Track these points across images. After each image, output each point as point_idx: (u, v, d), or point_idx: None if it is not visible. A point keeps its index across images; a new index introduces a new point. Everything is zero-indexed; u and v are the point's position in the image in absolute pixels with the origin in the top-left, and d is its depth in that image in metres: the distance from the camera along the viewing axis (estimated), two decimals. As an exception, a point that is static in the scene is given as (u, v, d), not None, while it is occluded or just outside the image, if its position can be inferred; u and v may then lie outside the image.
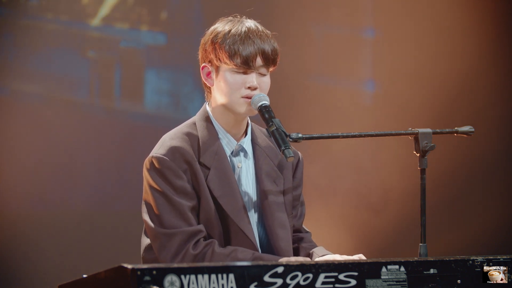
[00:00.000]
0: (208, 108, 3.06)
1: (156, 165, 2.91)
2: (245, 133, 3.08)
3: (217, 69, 2.99)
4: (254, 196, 3.05)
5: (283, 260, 2.83)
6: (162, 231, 2.88)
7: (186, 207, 2.90)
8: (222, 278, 2.32)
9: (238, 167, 3.03)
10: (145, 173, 2.94)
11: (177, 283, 2.28)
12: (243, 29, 2.96)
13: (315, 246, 3.15)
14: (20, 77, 5.09)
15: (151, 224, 2.91)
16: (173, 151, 2.92)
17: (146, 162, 2.95)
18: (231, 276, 2.33)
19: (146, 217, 2.93)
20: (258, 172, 3.05)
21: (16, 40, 5.06)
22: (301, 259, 2.85)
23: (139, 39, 5.33)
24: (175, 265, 2.31)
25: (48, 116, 5.11)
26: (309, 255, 3.08)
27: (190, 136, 2.98)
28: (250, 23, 2.99)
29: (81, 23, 5.20)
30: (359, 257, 2.88)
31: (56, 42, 5.14)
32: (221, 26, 2.99)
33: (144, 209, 2.95)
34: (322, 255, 2.99)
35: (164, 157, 2.91)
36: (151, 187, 2.92)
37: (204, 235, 2.91)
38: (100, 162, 5.18)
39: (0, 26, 5.05)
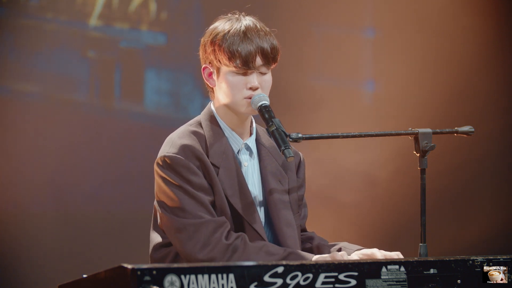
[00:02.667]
0: (212, 108, 3.05)
1: (170, 163, 2.89)
2: (250, 132, 3.08)
3: (218, 70, 2.98)
4: (260, 195, 3.05)
5: (317, 258, 2.82)
6: (188, 222, 2.85)
7: (207, 200, 2.89)
8: (222, 278, 2.32)
9: (245, 166, 3.03)
10: (158, 171, 2.92)
11: (177, 283, 2.28)
12: (242, 28, 2.95)
13: (328, 243, 3.15)
14: (20, 77, 5.09)
15: (174, 217, 2.86)
16: (184, 149, 2.91)
17: (158, 161, 2.92)
18: (231, 276, 2.33)
19: (165, 213, 2.89)
20: (263, 172, 3.05)
21: (16, 40, 5.06)
22: (338, 255, 2.83)
23: (139, 39, 5.33)
24: (175, 265, 2.31)
25: (48, 116, 5.11)
26: (339, 250, 3.05)
27: (197, 135, 2.98)
28: (248, 21, 2.98)
29: (81, 23, 5.20)
30: (397, 254, 2.87)
31: (56, 42, 5.14)
32: (219, 26, 2.98)
33: (161, 207, 2.91)
34: (358, 249, 2.97)
35: (177, 156, 2.89)
36: (168, 183, 2.89)
37: (230, 227, 2.90)
38: (100, 162, 5.17)
39: (0, 26, 5.05)
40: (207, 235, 2.83)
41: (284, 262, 2.41)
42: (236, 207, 2.93)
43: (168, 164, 2.90)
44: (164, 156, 2.91)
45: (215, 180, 2.92)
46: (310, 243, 3.16)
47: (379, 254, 2.88)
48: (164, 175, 2.90)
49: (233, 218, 2.94)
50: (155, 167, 2.92)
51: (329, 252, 3.07)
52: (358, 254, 2.92)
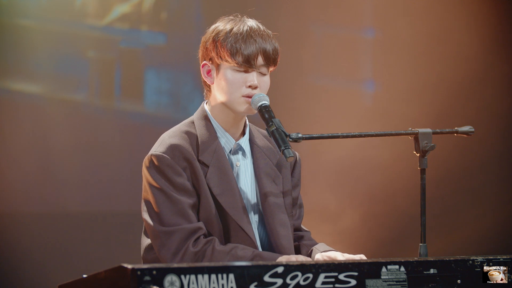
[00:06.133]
0: (206, 107, 3.07)
1: (156, 163, 2.91)
2: (243, 132, 3.09)
3: (218, 67, 3.00)
4: (253, 195, 3.05)
5: (283, 258, 2.83)
6: (161, 229, 2.88)
7: (186, 204, 2.90)
8: (222, 278, 2.32)
9: (237, 166, 3.04)
10: (145, 171, 2.95)
11: (177, 283, 2.28)
12: (245, 28, 2.97)
13: (315, 243, 3.16)
14: (20, 77, 5.09)
15: (151, 223, 2.91)
16: (172, 149, 2.93)
17: (146, 161, 2.95)
18: (231, 276, 2.33)
19: (145, 216, 2.93)
20: (257, 171, 3.06)
21: (16, 40, 5.06)
22: (301, 257, 2.85)
23: (139, 39, 5.33)
24: (175, 265, 2.31)
25: (48, 116, 5.11)
26: (311, 252, 3.08)
27: (189, 135, 2.99)
28: (251, 22, 3.01)
29: (81, 23, 5.20)
30: (360, 257, 2.88)
31: (56, 42, 5.14)
32: (222, 25, 3.00)
33: (143, 208, 2.95)
34: (324, 251, 3.00)
35: (164, 155, 2.92)
36: (150, 185, 2.92)
37: (204, 232, 2.91)
38: (100, 162, 5.18)
39: (0, 26, 5.05)
40: (177, 244, 2.86)
41: (284, 262, 2.41)
42: (224, 206, 2.95)
43: (154, 164, 2.92)
44: (152, 155, 2.94)
45: (202, 181, 2.94)
46: (298, 242, 3.18)
47: (341, 257, 2.89)
48: (148, 176, 2.93)
49: (221, 218, 2.96)
50: (143, 166, 2.95)
51: (306, 252, 3.10)
52: (322, 255, 2.95)
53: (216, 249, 2.86)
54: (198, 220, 2.93)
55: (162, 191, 2.90)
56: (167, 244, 2.87)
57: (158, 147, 2.95)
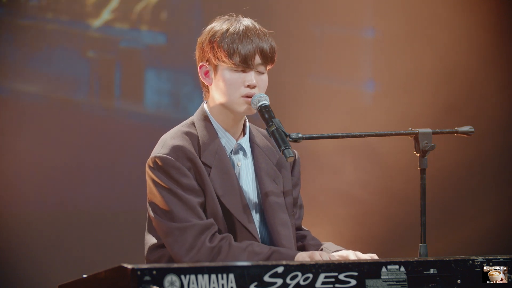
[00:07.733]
0: (206, 108, 3.06)
1: (160, 164, 2.90)
2: (244, 132, 3.09)
3: (215, 68, 2.99)
4: (254, 195, 3.05)
5: (300, 255, 2.83)
6: (174, 226, 2.87)
7: (195, 203, 2.89)
8: (222, 278, 2.32)
9: (238, 166, 3.04)
10: (149, 173, 2.93)
11: (177, 283, 2.28)
12: (241, 27, 2.97)
13: (320, 242, 3.16)
14: (20, 77, 5.09)
15: (162, 221, 2.89)
16: (175, 150, 2.92)
17: (149, 162, 2.94)
18: (231, 276, 2.33)
19: (154, 215, 2.91)
20: (257, 171, 3.06)
21: (16, 40, 5.06)
22: (325, 255, 2.85)
23: (139, 39, 5.33)
24: (175, 265, 2.31)
25: (48, 116, 5.11)
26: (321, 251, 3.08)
27: (190, 136, 2.99)
28: (247, 22, 3.01)
29: (81, 23, 5.20)
30: (371, 256, 2.88)
31: (56, 42, 5.14)
32: (218, 25, 3.00)
33: (151, 209, 2.93)
34: (335, 251, 2.99)
35: (168, 157, 2.91)
36: (157, 185, 2.90)
37: (217, 229, 2.91)
38: (100, 162, 5.18)
39: (0, 26, 5.05)
40: (192, 239, 2.85)
41: (284, 262, 2.41)
42: (228, 207, 2.94)
43: (159, 166, 2.91)
44: (155, 157, 2.92)
45: (207, 180, 2.93)
46: (301, 242, 3.17)
47: (353, 256, 2.89)
48: (154, 177, 2.91)
49: (225, 218, 2.95)
50: (146, 168, 2.94)
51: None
52: (334, 255, 2.94)
53: (233, 245, 2.86)
54: (207, 218, 2.92)
55: (170, 191, 2.89)
56: (181, 240, 2.85)
57: (161, 149, 2.94)
